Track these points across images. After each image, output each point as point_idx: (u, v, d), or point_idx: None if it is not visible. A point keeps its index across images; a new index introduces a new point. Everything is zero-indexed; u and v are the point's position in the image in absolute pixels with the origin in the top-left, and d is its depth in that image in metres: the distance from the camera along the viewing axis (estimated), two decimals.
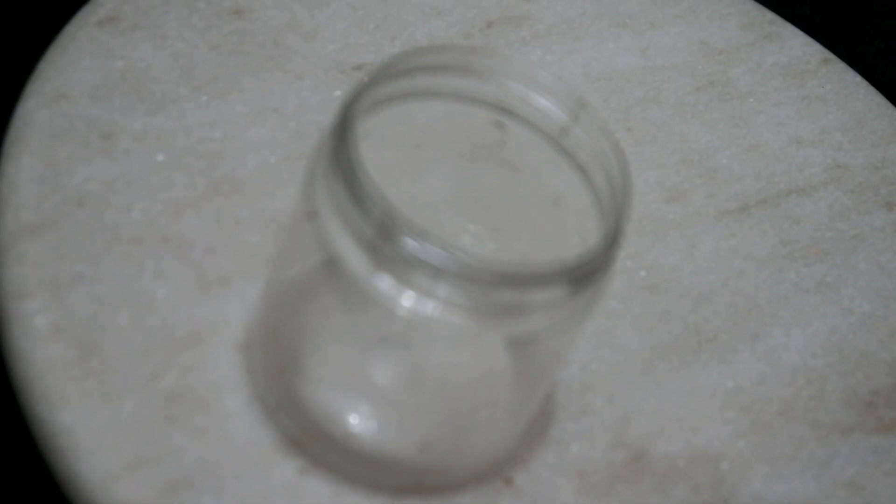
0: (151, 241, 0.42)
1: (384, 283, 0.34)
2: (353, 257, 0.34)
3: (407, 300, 0.34)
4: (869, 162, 0.53)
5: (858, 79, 0.55)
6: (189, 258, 0.42)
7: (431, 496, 0.39)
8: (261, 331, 0.40)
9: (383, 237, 0.34)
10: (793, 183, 0.51)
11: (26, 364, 0.39)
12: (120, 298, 0.41)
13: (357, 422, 0.38)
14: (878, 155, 0.53)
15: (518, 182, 0.41)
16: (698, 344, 0.45)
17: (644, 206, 0.48)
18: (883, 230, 0.50)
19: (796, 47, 0.56)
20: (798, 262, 0.49)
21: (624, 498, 0.41)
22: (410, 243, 0.33)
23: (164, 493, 0.37)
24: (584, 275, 0.34)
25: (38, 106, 0.44)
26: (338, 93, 0.48)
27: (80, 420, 0.38)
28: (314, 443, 0.38)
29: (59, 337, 0.39)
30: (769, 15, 0.57)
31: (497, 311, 0.34)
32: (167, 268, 0.42)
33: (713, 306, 0.46)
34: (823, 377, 0.45)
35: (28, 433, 0.38)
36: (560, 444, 0.41)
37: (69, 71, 0.46)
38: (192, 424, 0.39)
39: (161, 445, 0.38)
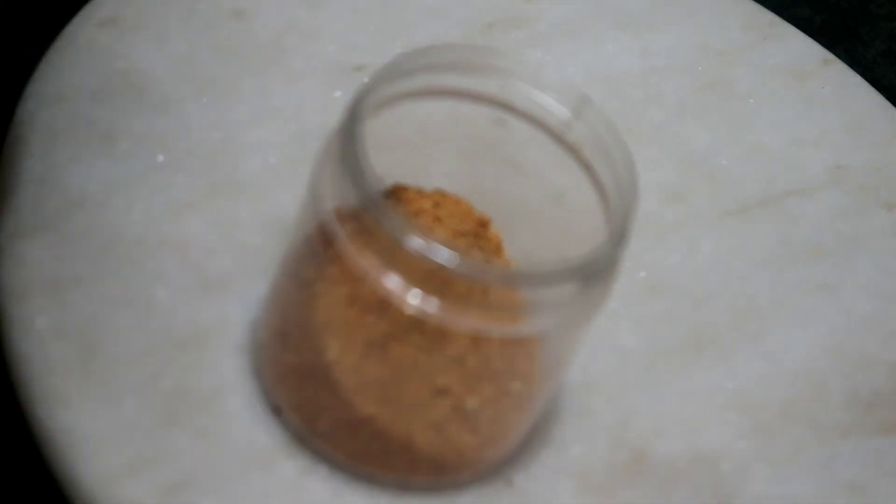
0: (152, 242, 0.42)
1: (392, 281, 0.34)
2: (362, 256, 0.35)
3: (415, 298, 0.34)
4: (869, 163, 0.53)
5: (859, 80, 0.55)
6: (189, 259, 0.42)
7: (432, 496, 0.39)
8: (268, 330, 0.39)
9: (391, 236, 0.34)
10: (793, 184, 0.51)
11: (26, 365, 0.39)
12: (120, 299, 0.41)
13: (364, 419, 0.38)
14: (878, 156, 0.53)
15: (521, 179, 0.41)
16: (698, 345, 0.45)
17: (644, 207, 0.48)
18: (883, 231, 0.50)
19: (796, 48, 0.56)
20: (798, 263, 0.49)
21: (624, 499, 0.41)
22: (418, 242, 0.33)
23: (165, 493, 0.37)
24: (594, 272, 0.34)
25: (38, 107, 0.44)
26: (338, 93, 0.48)
27: (80, 421, 0.38)
28: (318, 440, 0.38)
29: (60, 338, 0.39)
30: (769, 16, 0.57)
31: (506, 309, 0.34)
32: (167, 269, 0.42)
33: (713, 307, 0.46)
34: (824, 378, 0.45)
35: (28, 434, 0.38)
36: (560, 446, 0.41)
37: (69, 72, 0.46)
38: (193, 425, 0.39)
39: (161, 446, 0.38)
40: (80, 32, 0.47)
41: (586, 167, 0.38)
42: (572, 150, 0.39)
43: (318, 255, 0.37)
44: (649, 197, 0.49)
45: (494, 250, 0.41)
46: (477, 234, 0.42)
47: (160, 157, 0.44)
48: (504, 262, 0.41)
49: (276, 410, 0.39)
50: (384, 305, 0.35)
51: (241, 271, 0.42)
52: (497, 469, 0.40)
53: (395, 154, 0.40)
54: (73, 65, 0.46)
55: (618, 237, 0.35)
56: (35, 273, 0.40)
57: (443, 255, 0.33)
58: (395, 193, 0.41)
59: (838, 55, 0.56)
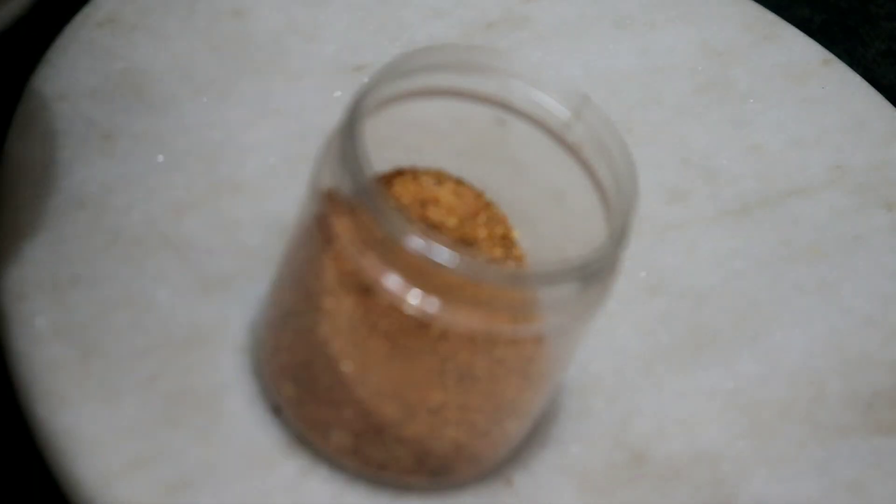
0: (151, 242, 0.42)
1: (392, 281, 0.34)
2: (361, 256, 0.35)
3: (415, 298, 0.34)
4: (869, 163, 0.53)
5: (858, 80, 0.55)
6: (189, 259, 0.42)
7: (431, 496, 0.39)
8: (268, 330, 0.39)
9: (391, 236, 0.34)
10: (793, 184, 0.51)
11: (26, 365, 0.39)
12: (120, 299, 0.41)
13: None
14: (878, 156, 0.53)
15: (521, 179, 0.41)
16: (698, 345, 0.45)
17: (644, 207, 0.48)
18: (883, 231, 0.50)
19: (796, 48, 0.56)
20: (798, 263, 0.49)
21: (624, 499, 0.41)
22: (418, 242, 0.33)
23: (165, 493, 0.37)
24: (594, 272, 0.34)
25: (38, 107, 0.44)
26: (338, 93, 0.48)
27: (80, 421, 0.38)
28: (319, 441, 0.38)
29: (59, 338, 0.39)
30: (769, 16, 0.57)
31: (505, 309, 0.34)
32: (167, 269, 0.42)
33: (713, 307, 0.46)
34: (823, 378, 0.45)
35: (28, 434, 0.38)
36: (560, 445, 0.41)
37: (69, 72, 0.46)
38: (193, 425, 0.39)
39: (161, 446, 0.38)
40: (80, 32, 0.47)
41: (586, 167, 0.38)
42: (572, 150, 0.39)
43: (317, 254, 0.37)
44: (649, 197, 0.49)
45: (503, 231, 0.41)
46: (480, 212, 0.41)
47: (160, 157, 0.44)
48: (510, 240, 0.41)
49: (276, 410, 0.39)
50: (384, 305, 0.35)
51: (241, 271, 0.42)
52: (497, 469, 0.40)
53: (395, 154, 0.40)
54: (73, 65, 0.46)
55: (618, 237, 0.35)
56: (35, 273, 0.40)
57: (443, 255, 0.33)
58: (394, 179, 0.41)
59: (838, 55, 0.56)
